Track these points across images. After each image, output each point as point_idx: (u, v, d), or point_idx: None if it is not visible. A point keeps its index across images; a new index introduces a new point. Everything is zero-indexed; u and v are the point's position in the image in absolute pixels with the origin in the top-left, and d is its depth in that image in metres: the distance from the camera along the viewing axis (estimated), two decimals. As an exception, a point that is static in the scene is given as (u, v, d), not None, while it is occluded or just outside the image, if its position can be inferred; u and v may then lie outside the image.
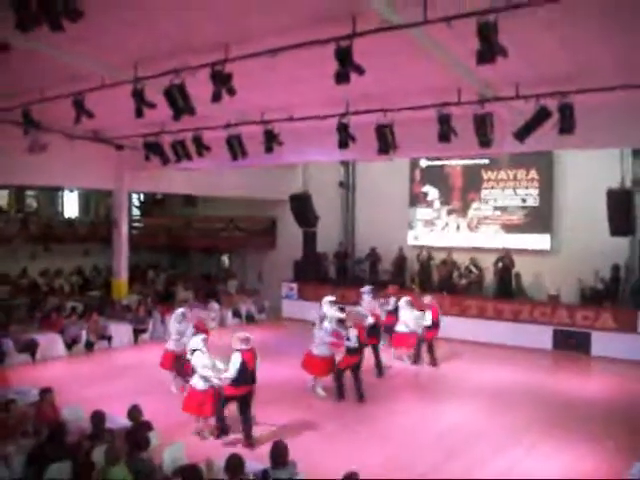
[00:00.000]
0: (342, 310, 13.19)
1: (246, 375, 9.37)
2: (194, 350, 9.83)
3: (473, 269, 19.10)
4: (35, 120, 12.00)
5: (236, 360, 9.29)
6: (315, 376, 12.23)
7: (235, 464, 6.07)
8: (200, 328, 12.36)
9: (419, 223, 20.80)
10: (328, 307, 13.03)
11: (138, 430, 7.38)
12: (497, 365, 14.41)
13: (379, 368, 13.64)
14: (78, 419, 8.58)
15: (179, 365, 11.89)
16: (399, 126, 10.99)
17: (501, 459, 9.02)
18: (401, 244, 20.58)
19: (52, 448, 6.98)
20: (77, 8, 5.80)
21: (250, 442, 9.31)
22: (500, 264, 18.30)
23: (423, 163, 20.50)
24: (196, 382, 9.71)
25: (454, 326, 16.68)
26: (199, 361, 9.68)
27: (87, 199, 28.03)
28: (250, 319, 20.62)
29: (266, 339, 16.20)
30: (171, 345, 12.34)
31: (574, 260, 17.36)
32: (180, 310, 12.75)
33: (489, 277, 18.99)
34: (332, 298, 13.44)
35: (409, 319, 14.47)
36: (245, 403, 9.55)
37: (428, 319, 14.35)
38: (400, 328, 14.61)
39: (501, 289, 18.19)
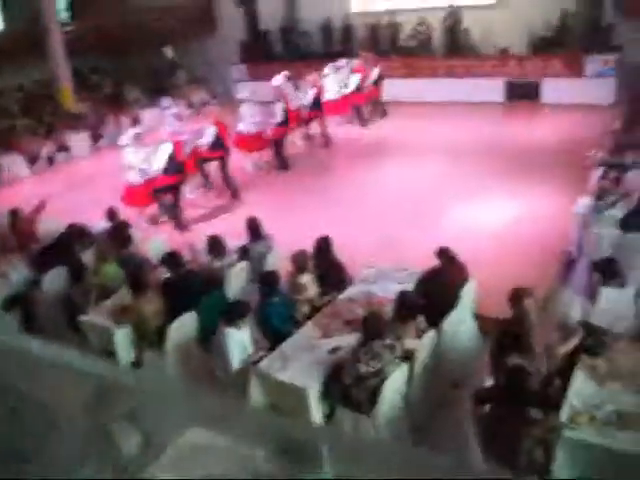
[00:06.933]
0: (296, 87, 13.13)
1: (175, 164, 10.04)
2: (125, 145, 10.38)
3: (421, 29, 18.70)
4: None
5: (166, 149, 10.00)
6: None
7: (216, 243, 6.52)
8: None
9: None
10: (284, 82, 12.99)
11: (119, 228, 7.73)
12: (452, 122, 14.62)
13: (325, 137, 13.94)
14: (58, 230, 8.86)
15: None
16: None
17: (463, 207, 9.71)
18: (346, 12, 19.84)
19: (51, 256, 7.40)
20: None
21: (180, 225, 10.06)
22: (448, 21, 17.92)
23: None
24: (132, 176, 10.29)
25: (405, 88, 16.71)
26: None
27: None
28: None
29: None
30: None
31: (523, 10, 16.90)
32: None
33: (437, 36, 18.57)
34: (287, 73, 13.34)
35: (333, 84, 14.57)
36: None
37: (353, 82, 14.40)
38: (327, 95, 14.48)
39: (450, 47, 17.98)
